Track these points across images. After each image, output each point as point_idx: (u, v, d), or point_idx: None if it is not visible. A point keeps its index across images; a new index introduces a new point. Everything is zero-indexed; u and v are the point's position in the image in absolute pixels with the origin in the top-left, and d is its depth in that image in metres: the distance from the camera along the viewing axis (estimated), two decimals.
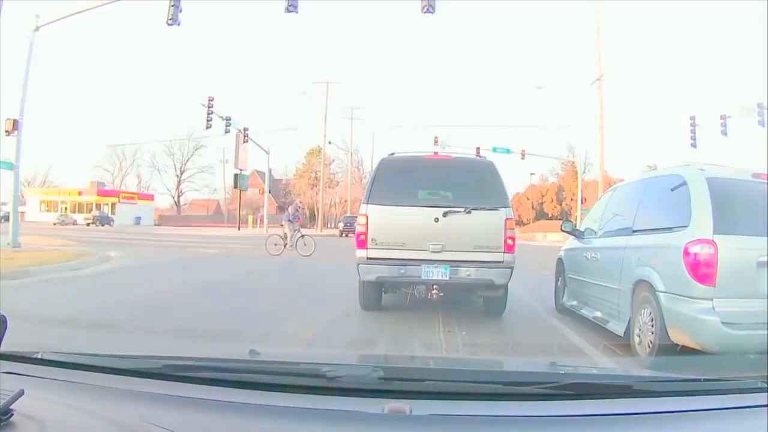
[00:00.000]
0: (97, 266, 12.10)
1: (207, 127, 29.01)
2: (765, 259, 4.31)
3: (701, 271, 4.37)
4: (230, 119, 30.87)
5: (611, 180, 29.12)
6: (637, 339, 4.99)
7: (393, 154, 7.19)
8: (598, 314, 6.03)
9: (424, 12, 13.72)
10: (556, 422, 1.29)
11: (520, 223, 61.65)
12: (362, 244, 6.53)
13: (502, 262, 6.36)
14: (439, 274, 6.33)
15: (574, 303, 6.87)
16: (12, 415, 1.11)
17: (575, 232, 7.48)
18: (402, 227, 6.51)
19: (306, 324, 6.21)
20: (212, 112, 28.59)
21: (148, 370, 1.48)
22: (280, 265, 14.04)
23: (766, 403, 1.33)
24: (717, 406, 1.35)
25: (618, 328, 5.40)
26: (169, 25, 14.41)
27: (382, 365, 1.57)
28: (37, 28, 15.20)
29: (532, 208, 62.04)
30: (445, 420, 1.28)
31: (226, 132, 31.32)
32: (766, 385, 1.41)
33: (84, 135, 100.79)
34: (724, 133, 24.51)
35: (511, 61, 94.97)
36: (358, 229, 6.68)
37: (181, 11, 14.48)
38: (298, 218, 17.64)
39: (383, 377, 1.40)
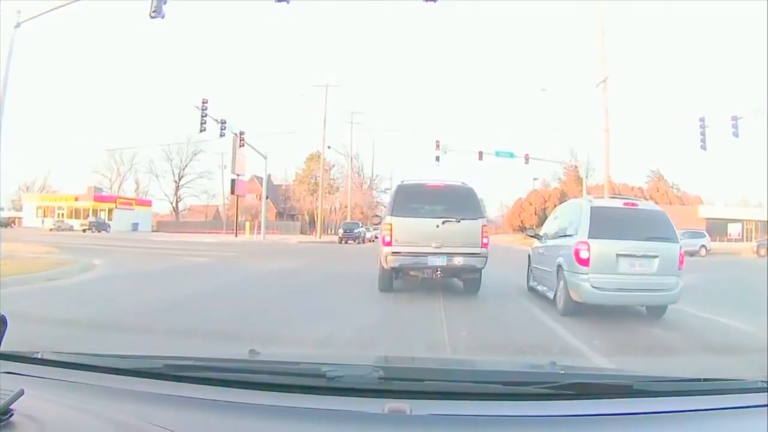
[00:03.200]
0: (77, 276, 11.31)
1: (201, 131, 28.44)
2: (622, 252, 7.45)
3: (581, 258, 7.50)
4: (225, 122, 30.25)
5: (614, 185, 28.87)
6: (558, 300, 8.09)
7: (403, 181, 10.33)
8: (545, 288, 9.13)
9: (426, 0, 13.45)
10: (556, 422, 1.29)
11: (523, 228, 61.39)
12: (388, 243, 9.35)
13: (480, 253, 9.40)
14: (439, 261, 9.29)
15: (534, 284, 10.02)
16: (12, 415, 1.11)
17: (536, 236, 10.44)
18: (414, 231, 9.39)
19: None
20: (206, 115, 27.94)
21: (148, 370, 1.49)
22: (272, 275, 13.31)
23: (766, 403, 1.33)
24: (717, 406, 1.35)
25: (551, 295, 8.53)
26: (152, 17, 13.90)
27: (382, 365, 1.58)
28: (18, 25, 14.84)
29: (535, 213, 61.80)
30: (445, 420, 1.29)
31: (221, 135, 30.79)
32: (766, 385, 1.42)
33: (84, 140, 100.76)
34: (736, 134, 23.90)
35: (514, 65, 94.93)
36: (384, 232, 9.56)
37: (165, 3, 14.00)
38: None
39: (383, 377, 1.40)
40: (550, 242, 9.32)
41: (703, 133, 25.13)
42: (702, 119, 25.14)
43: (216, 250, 23.12)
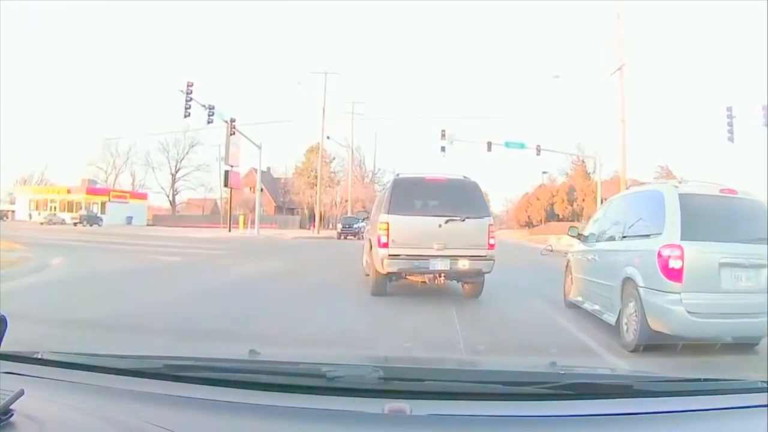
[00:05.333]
0: (23, 278, 9.60)
1: (185, 116, 27.34)
2: (726, 260, 5.26)
3: (671, 270, 5.29)
4: (213, 108, 28.77)
5: (625, 180, 28.26)
6: (624, 327, 5.87)
7: (399, 175, 9.20)
8: (597, 307, 6.90)
9: None
10: (556, 422, 1.29)
11: (530, 224, 61.23)
12: (385, 245, 8.27)
13: (486, 256, 8.38)
14: (442, 265, 8.29)
15: (579, 299, 7.73)
16: (12, 415, 1.11)
17: (580, 237, 8.29)
18: (414, 231, 8.35)
19: None
20: (191, 99, 26.79)
21: (148, 370, 1.49)
22: (248, 281, 10.94)
23: (766, 403, 1.34)
24: (717, 406, 1.35)
25: (611, 318, 6.28)
26: None
27: (382, 365, 1.58)
28: None
29: (543, 209, 61.62)
30: (445, 420, 1.29)
31: (209, 122, 29.52)
32: (766, 385, 1.42)
33: (81, 133, 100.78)
34: (767, 124, 23.46)
35: (522, 52, 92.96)
36: (381, 233, 8.40)
37: None
38: None
39: (383, 377, 1.40)
40: (606, 245, 7.12)
41: (730, 124, 24.35)
42: (729, 109, 24.46)
43: (198, 247, 21.10)
